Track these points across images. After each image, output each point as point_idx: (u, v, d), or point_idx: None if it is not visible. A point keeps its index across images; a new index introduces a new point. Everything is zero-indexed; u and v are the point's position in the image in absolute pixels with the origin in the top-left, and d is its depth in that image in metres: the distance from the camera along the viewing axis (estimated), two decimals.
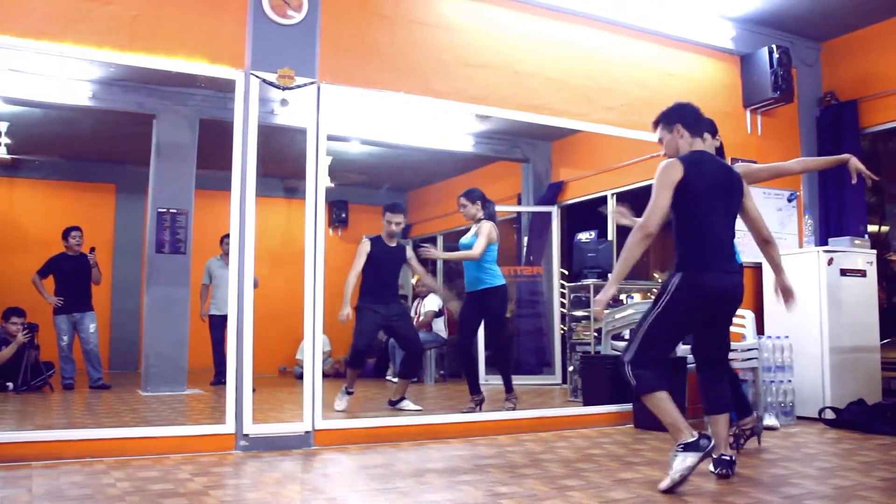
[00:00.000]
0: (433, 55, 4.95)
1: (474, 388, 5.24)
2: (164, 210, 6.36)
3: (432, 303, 8.10)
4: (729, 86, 6.17)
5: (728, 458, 3.34)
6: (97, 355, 6.89)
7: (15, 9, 3.84)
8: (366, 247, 5.41)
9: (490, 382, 6.90)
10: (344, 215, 10.35)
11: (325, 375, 4.38)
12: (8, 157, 7.69)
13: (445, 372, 8.34)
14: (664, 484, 3.07)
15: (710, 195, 3.28)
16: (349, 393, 5.33)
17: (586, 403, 5.41)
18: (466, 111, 5.17)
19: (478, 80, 5.07)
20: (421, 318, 8.11)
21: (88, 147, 8.54)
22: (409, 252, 5.66)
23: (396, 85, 4.77)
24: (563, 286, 7.62)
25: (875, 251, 5.77)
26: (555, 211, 7.89)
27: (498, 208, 5.68)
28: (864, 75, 6.26)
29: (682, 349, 4.85)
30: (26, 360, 6.42)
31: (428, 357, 8.01)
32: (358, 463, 3.79)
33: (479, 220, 5.29)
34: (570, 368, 6.48)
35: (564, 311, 7.35)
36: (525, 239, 8.33)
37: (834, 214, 6.28)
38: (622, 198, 6.98)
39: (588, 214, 7.65)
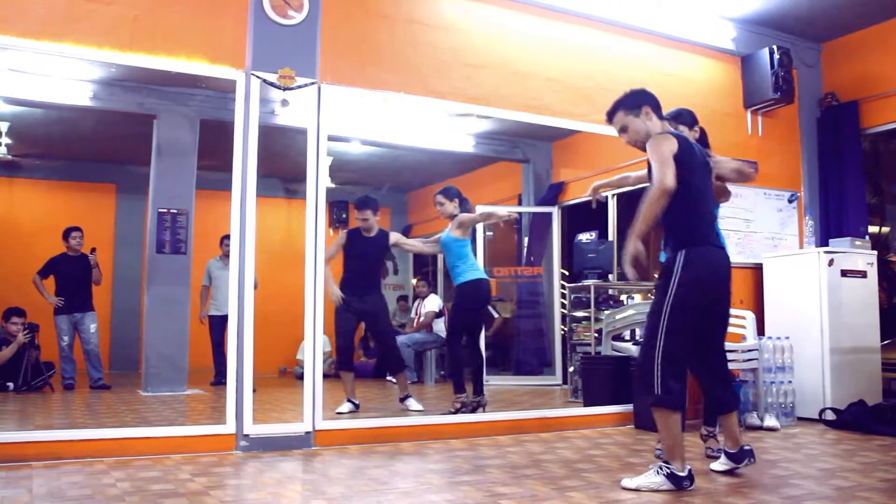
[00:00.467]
0: (433, 55, 4.95)
1: (458, 387, 5.16)
2: (165, 210, 6.36)
3: (432, 303, 8.10)
4: (729, 86, 6.18)
5: (748, 448, 3.44)
6: (98, 355, 6.90)
7: (15, 9, 3.84)
8: (341, 239, 5.53)
9: (491, 383, 6.90)
10: (344, 215, 10.31)
11: (325, 376, 4.38)
12: (8, 156, 7.70)
13: (446, 372, 8.32)
14: (630, 483, 3.10)
15: (700, 170, 3.28)
16: (355, 405, 5.27)
17: (587, 404, 5.41)
18: (466, 111, 5.16)
19: (478, 80, 5.07)
20: (421, 318, 8.11)
21: (89, 147, 8.54)
22: (394, 236, 5.66)
23: (397, 85, 4.77)
24: (563, 287, 7.62)
25: (875, 252, 5.76)
26: (555, 211, 7.89)
27: (498, 208, 5.65)
28: (865, 76, 6.27)
29: None
30: (27, 361, 6.43)
31: (428, 357, 8.00)
32: (358, 463, 3.78)
33: (454, 217, 5.31)
34: (571, 369, 6.49)
35: (565, 311, 7.35)
36: (525, 239, 8.33)
37: (834, 215, 6.28)
38: (622, 198, 6.99)
39: (588, 215, 7.63)
